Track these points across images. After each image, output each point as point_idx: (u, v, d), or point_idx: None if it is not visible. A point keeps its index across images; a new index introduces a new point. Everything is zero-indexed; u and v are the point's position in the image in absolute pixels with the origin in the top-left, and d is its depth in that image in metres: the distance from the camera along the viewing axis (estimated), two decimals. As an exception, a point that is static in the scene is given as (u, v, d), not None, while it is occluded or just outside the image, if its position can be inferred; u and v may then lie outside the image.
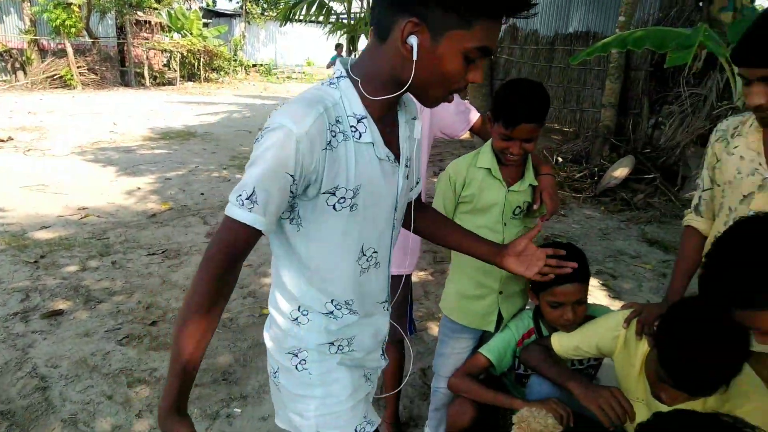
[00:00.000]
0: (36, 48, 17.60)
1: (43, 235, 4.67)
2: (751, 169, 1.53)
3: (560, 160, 7.87)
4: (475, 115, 2.10)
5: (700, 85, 6.01)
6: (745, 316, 1.09)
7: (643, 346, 1.60)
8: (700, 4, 7.18)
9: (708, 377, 1.28)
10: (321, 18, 9.33)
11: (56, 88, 17.52)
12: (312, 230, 1.09)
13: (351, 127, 1.04)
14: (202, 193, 6.23)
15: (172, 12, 22.49)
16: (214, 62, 23.15)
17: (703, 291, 1.18)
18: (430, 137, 2.05)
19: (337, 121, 1.02)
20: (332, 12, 8.72)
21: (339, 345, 1.22)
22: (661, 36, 4.93)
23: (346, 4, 7.44)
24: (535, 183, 1.83)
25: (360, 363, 1.28)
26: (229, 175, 7.21)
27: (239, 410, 2.53)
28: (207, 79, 22.63)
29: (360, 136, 1.04)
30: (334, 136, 1.01)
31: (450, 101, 1.10)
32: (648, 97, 7.46)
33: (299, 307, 1.17)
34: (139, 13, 20.59)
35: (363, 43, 7.75)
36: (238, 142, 9.72)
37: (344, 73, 1.06)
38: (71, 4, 16.92)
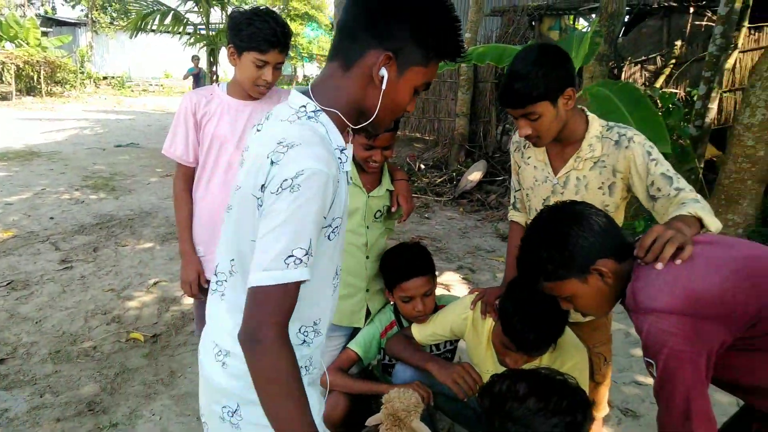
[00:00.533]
0: None
1: None
2: (543, 177, 1.85)
3: (422, 167, 8.38)
4: None
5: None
6: (549, 286, 1.35)
7: (488, 323, 1.86)
8: (533, 23, 8.11)
9: (540, 336, 1.56)
10: (177, 29, 9.01)
11: None
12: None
13: (338, 158, 1.07)
14: (51, 217, 5.73)
15: (3, 19, 20.18)
16: (57, 75, 21.18)
17: (519, 270, 1.45)
18: None
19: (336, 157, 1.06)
20: (188, 23, 8.46)
21: (305, 367, 1.19)
22: (499, 52, 5.48)
23: (203, 16, 7.28)
24: (392, 188, 2.03)
25: (316, 381, 1.27)
26: (82, 196, 6.70)
27: (109, 438, 2.44)
28: (50, 93, 20.63)
29: (343, 166, 1.09)
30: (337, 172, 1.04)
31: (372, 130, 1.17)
32: (495, 106, 8.24)
33: None
34: (-40, 19, 18.23)
35: (224, 54, 7.63)
36: (90, 160, 9.03)
37: (319, 107, 1.07)
38: None
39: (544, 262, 1.29)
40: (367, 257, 2.05)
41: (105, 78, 25.66)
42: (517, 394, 1.17)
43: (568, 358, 1.79)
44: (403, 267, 1.93)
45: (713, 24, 6.29)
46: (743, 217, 4.49)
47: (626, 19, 8.10)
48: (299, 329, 1.14)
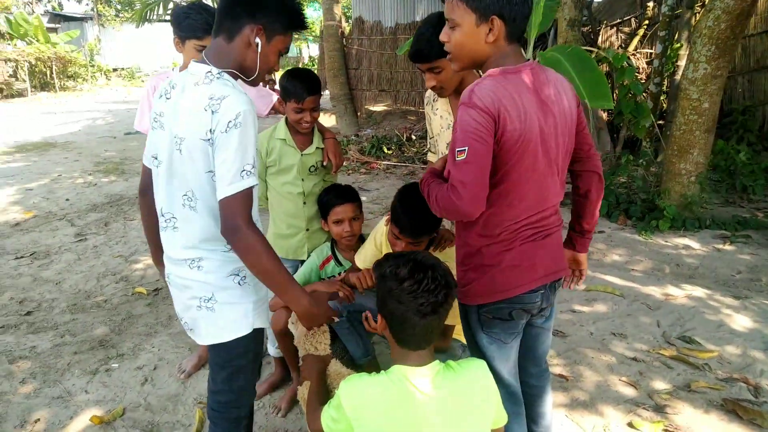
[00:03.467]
0: None
1: None
2: (447, 124, 2.27)
3: (413, 137, 8.76)
4: (275, 98, 2.72)
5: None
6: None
7: (383, 239, 2.30)
8: None
9: (418, 220, 1.98)
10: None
11: None
12: None
13: None
14: (67, 199, 6.30)
15: (12, 18, 20.75)
16: (69, 69, 21.77)
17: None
18: None
19: None
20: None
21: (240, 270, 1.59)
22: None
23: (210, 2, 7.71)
24: (322, 146, 2.47)
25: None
26: (94, 179, 7.26)
27: (117, 365, 2.97)
28: (63, 88, 21.25)
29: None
30: None
31: (266, 81, 1.67)
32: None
33: (223, 246, 1.52)
34: (-28, 20, 18.83)
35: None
36: (102, 148, 9.60)
37: (219, 70, 1.45)
38: None
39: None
40: (304, 203, 2.50)
41: (115, 70, 26.22)
42: (398, 276, 1.42)
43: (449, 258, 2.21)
44: (334, 197, 2.39)
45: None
46: (694, 165, 4.83)
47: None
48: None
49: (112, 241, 4.87)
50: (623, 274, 3.97)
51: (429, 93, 2.34)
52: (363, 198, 2.75)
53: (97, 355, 3.06)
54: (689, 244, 4.52)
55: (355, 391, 1.41)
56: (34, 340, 3.23)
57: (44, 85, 20.78)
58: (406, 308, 1.40)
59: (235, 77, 1.51)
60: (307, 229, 2.55)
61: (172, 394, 2.71)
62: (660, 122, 6.70)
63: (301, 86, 2.29)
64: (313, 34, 28.47)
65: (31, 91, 19.95)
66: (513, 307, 1.61)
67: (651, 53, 7.35)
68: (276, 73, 2.28)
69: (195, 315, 1.59)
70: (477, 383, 1.45)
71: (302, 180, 2.48)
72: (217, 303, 1.55)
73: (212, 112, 1.38)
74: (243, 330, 1.58)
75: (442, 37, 1.56)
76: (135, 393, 2.72)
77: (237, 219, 1.38)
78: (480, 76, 1.80)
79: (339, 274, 2.59)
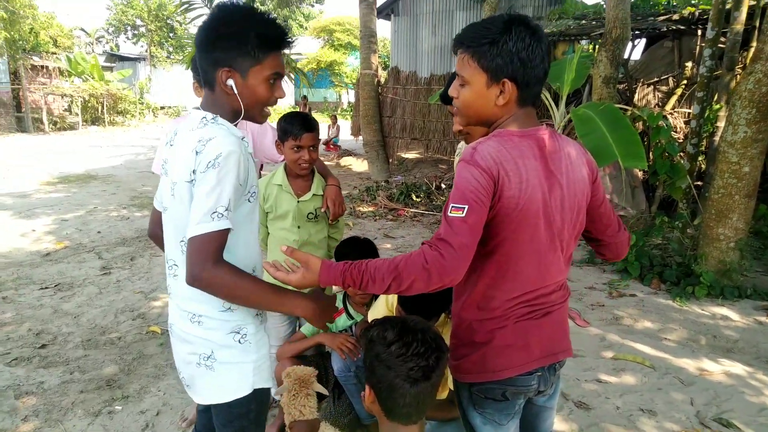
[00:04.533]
0: None
1: (-71, 278, 4.75)
2: None
3: (443, 186, 8.72)
4: None
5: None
6: (462, 62, 1.50)
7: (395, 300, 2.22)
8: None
9: (427, 307, 1.91)
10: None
11: (-58, 136, 16.65)
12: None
13: (244, 142, 1.45)
14: (99, 232, 6.44)
15: (71, 57, 22.06)
16: (119, 105, 22.84)
17: None
18: (257, 161, 2.61)
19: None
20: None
21: (260, 313, 1.56)
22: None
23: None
24: (320, 193, 2.42)
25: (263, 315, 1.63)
26: (128, 213, 7.43)
27: (120, 407, 2.91)
28: (112, 123, 22.25)
29: (248, 148, 1.46)
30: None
31: (267, 115, 1.57)
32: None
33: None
34: (35, 58, 20.08)
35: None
36: (140, 182, 9.88)
37: (214, 116, 1.43)
38: (-42, 49, 16.35)
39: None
40: None
41: (162, 108, 27.40)
42: (385, 339, 1.34)
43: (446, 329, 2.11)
44: (349, 252, 2.31)
45: (723, 46, 6.44)
46: (733, 231, 4.61)
47: (638, 43, 8.27)
48: None
49: (135, 276, 4.90)
50: (655, 343, 3.74)
51: (461, 144, 2.31)
52: (387, 245, 2.68)
53: (103, 396, 3.01)
54: (728, 314, 4.25)
55: None
56: (43, 375, 3.21)
57: (95, 120, 21.81)
58: (395, 374, 1.31)
59: (234, 120, 1.48)
60: None
61: (171, 444, 2.62)
62: (698, 183, 6.49)
63: (298, 124, 2.28)
64: (352, 80, 29.35)
65: (82, 125, 20.95)
66: (505, 389, 1.48)
67: (689, 113, 7.21)
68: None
69: (193, 372, 1.53)
70: None
71: (298, 227, 2.42)
72: (216, 362, 1.49)
73: (196, 152, 1.36)
74: (243, 391, 1.51)
75: (451, 92, 1.50)
76: (134, 439, 2.65)
77: (199, 263, 1.29)
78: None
79: (351, 327, 2.51)
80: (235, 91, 1.42)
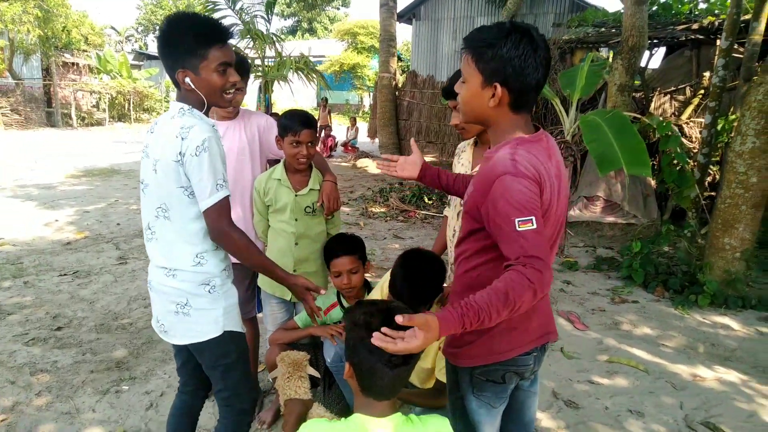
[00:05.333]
0: (-45, 88, 17.37)
1: (-43, 261, 5.00)
2: (464, 172, 2.31)
3: (456, 190, 8.79)
4: None
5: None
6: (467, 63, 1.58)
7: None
8: (565, 56, 8.43)
9: (419, 292, 2.01)
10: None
11: (-24, 128, 17.25)
12: None
13: (214, 128, 1.72)
14: (118, 224, 6.66)
15: (101, 55, 22.64)
16: (145, 103, 23.35)
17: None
18: (262, 155, 2.72)
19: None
20: (247, 57, 9.49)
21: (226, 268, 1.83)
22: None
23: (259, 52, 8.20)
24: (317, 188, 2.53)
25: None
26: (147, 207, 7.65)
27: (127, 387, 3.06)
28: (138, 120, 22.76)
29: (217, 131, 1.73)
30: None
31: (231, 99, 1.80)
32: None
33: (197, 254, 1.74)
34: (66, 55, 20.66)
35: (276, 87, 8.51)
36: (160, 178, 10.12)
37: (188, 107, 1.71)
38: (-6, 45, 16.92)
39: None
40: (296, 244, 2.54)
41: (187, 106, 27.91)
42: (369, 325, 1.39)
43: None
44: (334, 247, 2.44)
45: (741, 56, 6.41)
46: (739, 241, 4.60)
47: (656, 51, 8.24)
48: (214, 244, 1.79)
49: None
50: (652, 348, 3.77)
51: (461, 145, 2.42)
52: (395, 245, 2.78)
53: (111, 376, 3.17)
54: (729, 323, 4.25)
55: None
56: (57, 355, 3.39)
57: (121, 116, 22.35)
58: (376, 359, 1.37)
59: (202, 109, 1.76)
60: (295, 270, 2.53)
61: (172, 423, 2.75)
62: (712, 194, 6.46)
63: (298, 120, 2.39)
64: (375, 83, 29.53)
65: (109, 121, 21.48)
66: (507, 370, 1.59)
67: (681, 122, 7.19)
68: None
69: (173, 319, 1.79)
70: None
71: (295, 220, 2.52)
72: (192, 308, 1.76)
73: (182, 138, 1.64)
74: (214, 332, 1.79)
75: (456, 87, 1.58)
76: (138, 417, 2.79)
77: (221, 223, 1.68)
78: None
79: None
80: (192, 87, 1.69)
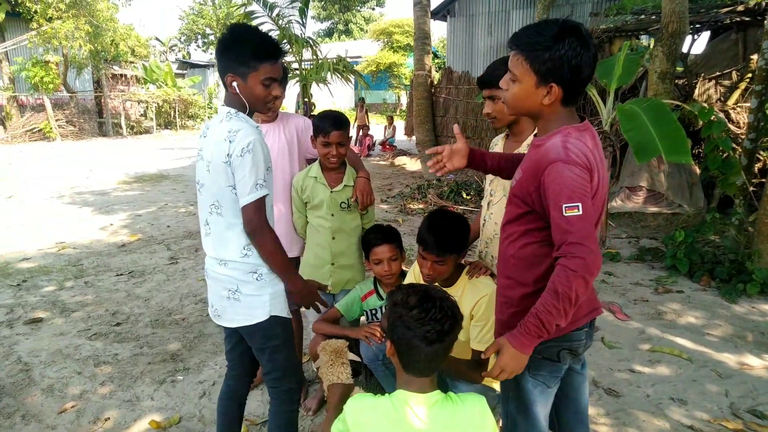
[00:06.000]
0: (15, 104, 18.40)
1: (24, 264, 5.37)
2: None
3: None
4: None
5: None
6: (514, 61, 1.61)
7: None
8: (603, 45, 8.29)
9: (443, 238, 2.15)
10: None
11: (36, 140, 18.25)
12: None
13: (259, 130, 1.89)
14: (168, 226, 6.98)
15: (147, 65, 23.51)
16: (190, 110, 24.12)
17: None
18: (301, 155, 2.85)
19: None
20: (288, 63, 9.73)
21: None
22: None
23: (297, 55, 8.40)
24: (351, 184, 2.64)
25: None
26: (194, 210, 7.97)
27: (182, 377, 3.25)
28: (183, 127, 23.54)
29: (262, 134, 1.91)
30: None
31: (270, 108, 2.01)
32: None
33: (244, 246, 1.90)
34: (115, 67, 21.58)
35: (314, 88, 8.70)
36: (206, 182, 10.49)
37: (235, 111, 1.88)
38: (49, 62, 17.83)
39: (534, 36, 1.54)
40: (333, 238, 2.67)
41: (229, 112, 28.63)
42: (408, 304, 1.52)
43: (480, 290, 2.25)
44: (374, 237, 2.55)
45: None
46: (790, 228, 4.46)
47: (699, 36, 8.00)
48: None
49: (199, 266, 5.33)
50: (697, 337, 3.72)
51: (494, 140, 2.49)
52: None
53: (167, 367, 3.37)
54: (780, 312, 4.14)
55: (358, 409, 1.52)
56: (117, 348, 3.62)
57: (168, 124, 23.17)
58: (413, 334, 1.49)
59: (245, 111, 1.91)
60: (333, 263, 2.70)
61: (224, 409, 2.92)
62: (762, 180, 6.24)
63: (328, 122, 2.52)
64: (407, 82, 29.54)
65: (156, 129, 22.31)
66: (561, 346, 1.65)
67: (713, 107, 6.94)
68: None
69: (225, 304, 1.98)
70: (474, 419, 1.50)
71: (332, 215, 2.65)
72: (241, 294, 1.93)
73: (229, 141, 1.81)
74: (262, 316, 1.94)
75: (502, 83, 1.64)
76: (192, 404, 2.97)
77: (257, 219, 1.82)
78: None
79: (381, 308, 2.72)
80: (237, 91, 1.86)
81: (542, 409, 1.71)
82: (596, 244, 1.42)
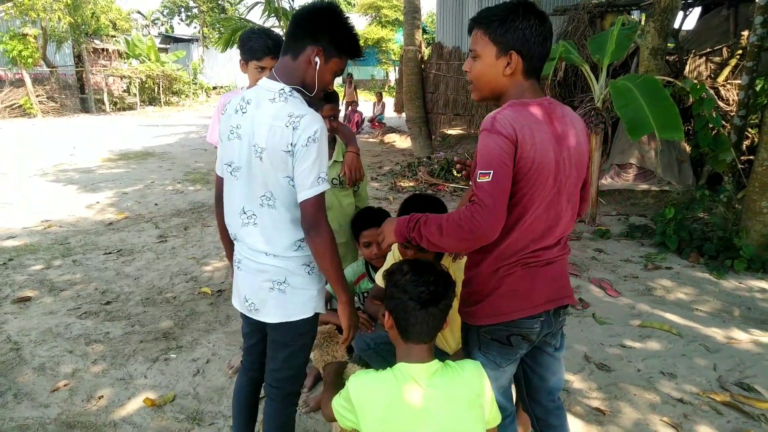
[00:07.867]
0: (-7, 79, 17.92)
1: (10, 243, 5.28)
2: None
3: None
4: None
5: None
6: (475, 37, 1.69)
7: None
8: (595, 20, 8.23)
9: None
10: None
11: (16, 117, 17.84)
12: None
13: None
14: (156, 204, 6.89)
15: (130, 39, 22.97)
16: (174, 86, 23.69)
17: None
18: None
19: None
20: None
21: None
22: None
23: (284, 28, 8.24)
24: (340, 159, 2.60)
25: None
26: (182, 187, 7.87)
27: (175, 355, 3.23)
28: (167, 103, 23.14)
29: None
30: None
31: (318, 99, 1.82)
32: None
33: (296, 240, 1.74)
34: (96, 41, 21.05)
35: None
36: (193, 159, 10.37)
37: (290, 88, 1.67)
38: (26, 35, 17.32)
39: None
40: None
41: (215, 88, 28.20)
42: (402, 269, 1.60)
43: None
44: (363, 219, 2.52)
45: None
46: (778, 204, 4.51)
47: (691, 12, 7.96)
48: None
49: (189, 244, 5.28)
50: (686, 313, 3.77)
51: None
52: None
53: (159, 345, 3.35)
54: (766, 287, 4.20)
55: (361, 384, 1.52)
56: (109, 327, 3.59)
57: (152, 100, 22.75)
58: (408, 296, 1.53)
59: (301, 94, 1.72)
60: None
61: (219, 387, 2.91)
62: (751, 158, 6.29)
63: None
64: (400, 57, 29.25)
65: (140, 105, 21.89)
66: (511, 331, 1.66)
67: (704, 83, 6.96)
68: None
69: (265, 296, 1.79)
70: (472, 382, 1.53)
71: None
72: (288, 287, 1.77)
73: (293, 128, 1.61)
74: (308, 312, 1.81)
75: (465, 66, 1.70)
76: (186, 382, 2.96)
77: (317, 216, 1.65)
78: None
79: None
80: (315, 66, 1.69)
81: (495, 385, 1.71)
82: (496, 216, 1.47)
